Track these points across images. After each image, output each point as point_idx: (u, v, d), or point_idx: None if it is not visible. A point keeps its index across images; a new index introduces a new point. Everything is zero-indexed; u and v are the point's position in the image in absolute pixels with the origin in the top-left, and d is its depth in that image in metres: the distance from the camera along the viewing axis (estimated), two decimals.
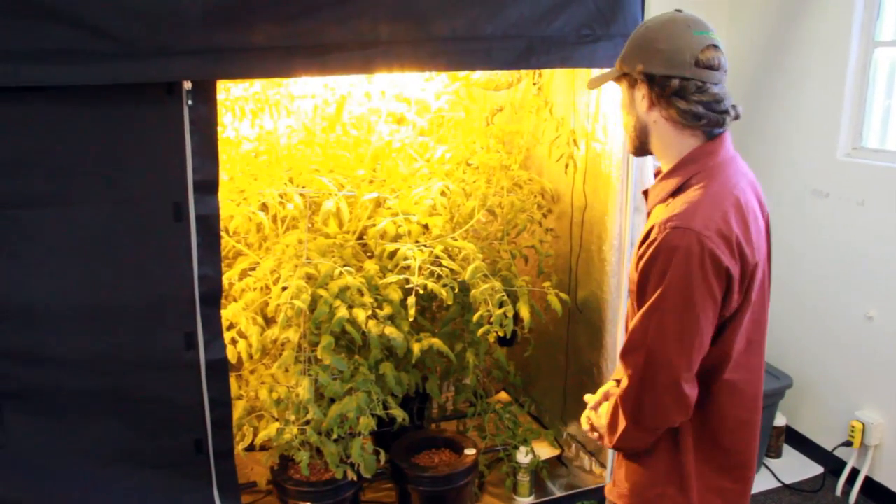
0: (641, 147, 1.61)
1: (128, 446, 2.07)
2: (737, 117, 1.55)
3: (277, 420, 2.36)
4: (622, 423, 1.58)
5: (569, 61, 2.23)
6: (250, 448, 2.47)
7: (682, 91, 1.48)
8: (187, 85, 1.87)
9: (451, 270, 2.43)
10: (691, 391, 1.50)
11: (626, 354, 1.53)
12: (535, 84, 2.97)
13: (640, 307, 1.50)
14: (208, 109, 1.92)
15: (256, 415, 2.44)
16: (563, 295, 2.74)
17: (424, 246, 2.45)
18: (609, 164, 2.65)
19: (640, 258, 1.49)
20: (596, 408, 1.77)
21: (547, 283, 2.75)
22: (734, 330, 1.53)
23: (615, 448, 1.67)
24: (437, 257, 2.44)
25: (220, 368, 2.09)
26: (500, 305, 2.45)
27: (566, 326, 3.11)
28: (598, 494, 2.85)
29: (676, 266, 1.41)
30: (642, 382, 1.51)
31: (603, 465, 2.89)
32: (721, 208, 1.46)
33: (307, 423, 2.32)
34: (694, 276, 1.42)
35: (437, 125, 2.84)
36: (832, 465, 3.41)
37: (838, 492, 3.33)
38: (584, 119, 2.79)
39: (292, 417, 2.32)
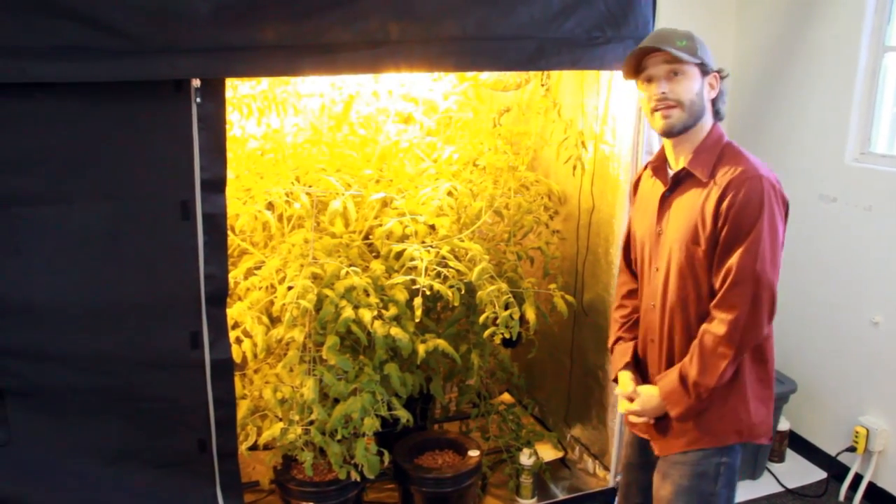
0: (689, 126, 1.88)
1: (132, 445, 2.06)
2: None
3: (281, 420, 2.35)
4: (723, 360, 1.84)
5: (579, 63, 2.22)
6: (253, 447, 2.46)
7: (723, 92, 1.93)
8: (196, 82, 1.86)
9: (458, 271, 2.42)
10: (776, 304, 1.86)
11: (733, 288, 1.81)
12: (543, 85, 2.96)
13: (727, 252, 1.81)
14: (217, 107, 1.91)
15: (260, 414, 2.44)
16: (568, 297, 2.73)
17: (431, 246, 2.44)
18: (617, 167, 2.64)
19: (728, 210, 1.79)
20: (632, 397, 2.03)
21: (553, 285, 2.74)
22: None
23: (705, 391, 1.87)
24: (444, 258, 2.43)
25: (225, 368, 2.08)
26: (506, 307, 2.44)
27: (571, 328, 3.10)
28: (601, 497, 2.85)
29: (763, 206, 1.78)
30: (753, 308, 1.80)
31: (606, 468, 2.88)
32: (764, 164, 1.85)
33: (311, 423, 2.32)
34: (775, 211, 1.81)
35: (444, 125, 2.83)
36: (836, 470, 3.40)
37: (841, 497, 3.32)
38: (593, 121, 2.78)
39: (296, 417, 2.31)
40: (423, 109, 2.78)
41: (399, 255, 2.43)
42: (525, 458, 2.87)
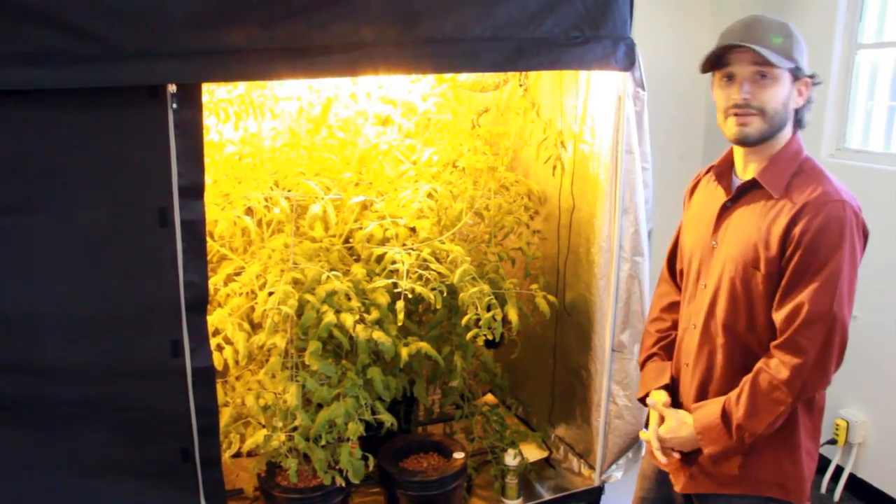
0: (763, 139, 1.68)
1: (112, 456, 2.03)
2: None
3: (265, 427, 2.33)
4: (779, 406, 1.64)
5: (558, 63, 2.21)
6: (237, 455, 2.44)
7: (810, 99, 1.71)
8: (172, 88, 1.83)
9: (439, 273, 2.41)
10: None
11: (804, 328, 1.60)
12: (521, 85, 2.96)
13: (797, 284, 1.60)
14: (193, 113, 1.89)
15: (243, 421, 2.41)
16: (550, 297, 2.73)
17: (412, 249, 2.43)
18: (597, 166, 2.65)
19: (801, 236, 1.58)
20: (660, 424, 1.85)
21: (534, 286, 2.74)
22: None
23: (749, 437, 1.68)
24: (425, 260, 2.42)
25: (207, 376, 2.05)
26: (489, 308, 2.44)
27: (554, 328, 3.10)
28: (587, 496, 2.85)
29: (845, 236, 1.57)
30: (822, 353, 1.61)
31: (591, 467, 2.88)
32: (845, 188, 1.64)
33: (295, 429, 2.30)
34: (856, 242, 1.60)
35: (423, 127, 2.83)
36: (817, 463, 3.43)
37: (823, 489, 3.36)
38: (572, 121, 2.78)
39: (280, 424, 2.29)
40: (401, 111, 2.77)
41: (380, 258, 2.42)
42: (510, 459, 2.86)
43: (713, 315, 1.78)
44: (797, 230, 1.60)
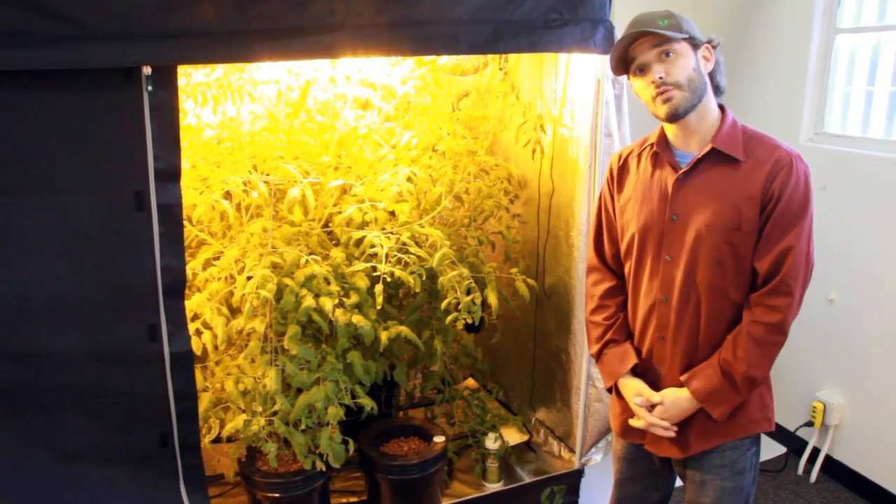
0: (694, 105, 1.79)
1: (91, 442, 2.02)
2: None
3: (244, 411, 2.32)
4: (777, 348, 1.80)
5: (537, 46, 2.21)
6: (217, 440, 2.44)
7: (722, 66, 1.85)
8: (147, 70, 1.81)
9: (419, 257, 2.41)
10: None
11: (790, 272, 1.74)
12: (501, 69, 2.95)
13: (782, 233, 1.74)
14: (169, 95, 1.87)
15: (223, 406, 2.40)
16: (530, 281, 2.74)
17: (391, 233, 2.42)
18: (576, 150, 2.65)
19: (781, 190, 1.73)
20: (649, 406, 1.92)
21: (514, 269, 2.74)
22: None
23: (755, 386, 1.81)
24: (404, 244, 2.41)
25: (185, 361, 2.04)
26: (468, 292, 2.44)
27: (534, 312, 3.11)
28: (567, 479, 2.87)
29: (810, 185, 1.76)
30: (803, 291, 1.78)
31: (572, 450, 2.90)
32: None
33: (274, 413, 2.29)
34: (811, 189, 1.78)
35: (403, 111, 2.81)
36: (794, 444, 3.48)
37: (800, 471, 3.40)
38: (551, 104, 2.78)
39: (259, 408, 2.29)
40: (381, 95, 2.76)
41: (359, 242, 2.42)
42: (491, 443, 2.87)
43: (693, 282, 1.83)
44: (775, 185, 1.74)
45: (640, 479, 2.10)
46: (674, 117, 1.78)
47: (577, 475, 2.90)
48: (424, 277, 2.41)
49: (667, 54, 1.75)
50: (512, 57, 2.95)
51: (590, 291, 2.09)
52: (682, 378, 1.86)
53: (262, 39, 1.91)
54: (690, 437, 1.89)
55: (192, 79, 2.51)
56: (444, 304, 2.45)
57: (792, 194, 1.74)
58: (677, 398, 1.86)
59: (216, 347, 2.28)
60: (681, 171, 1.83)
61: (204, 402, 2.35)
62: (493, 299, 2.61)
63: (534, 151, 2.80)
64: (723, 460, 1.89)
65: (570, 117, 2.67)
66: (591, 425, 2.81)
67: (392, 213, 2.52)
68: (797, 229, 1.74)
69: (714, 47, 1.83)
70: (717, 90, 1.85)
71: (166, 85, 1.86)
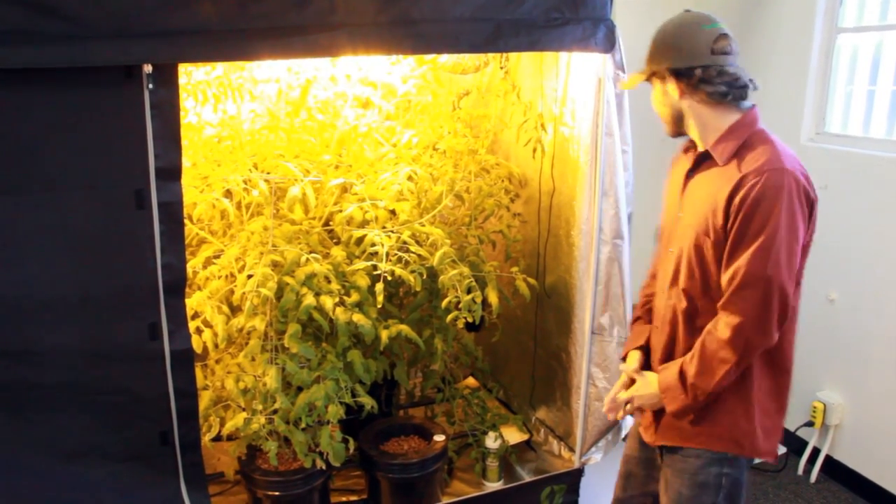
0: (678, 131, 1.91)
1: (91, 440, 2.02)
2: (756, 88, 1.84)
3: (244, 410, 2.32)
4: (725, 365, 1.76)
5: (537, 45, 2.21)
6: (217, 438, 2.44)
7: (706, 77, 1.78)
8: (147, 68, 1.81)
9: (419, 256, 2.41)
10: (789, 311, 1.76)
11: (740, 290, 1.72)
12: (502, 68, 2.95)
13: (737, 249, 1.72)
14: (170, 94, 1.87)
15: (223, 405, 2.41)
16: (531, 280, 2.74)
17: (392, 232, 2.42)
18: (577, 149, 2.65)
19: (740, 204, 1.70)
20: (629, 381, 2.03)
21: (515, 269, 2.74)
22: (804, 258, 1.80)
23: (702, 394, 1.81)
24: (405, 243, 2.41)
25: (186, 359, 2.04)
26: (469, 291, 2.44)
27: (534, 311, 3.11)
28: (567, 478, 2.87)
29: (782, 202, 1.67)
30: (761, 312, 1.71)
31: (572, 449, 2.90)
32: (792, 155, 1.75)
33: (275, 412, 2.29)
34: (795, 208, 1.69)
35: (403, 109, 2.81)
36: (795, 444, 3.48)
37: (800, 471, 3.40)
38: (552, 103, 2.78)
39: (259, 407, 2.29)
40: (381, 93, 2.76)
41: (360, 240, 2.42)
42: (491, 442, 2.87)
43: (676, 280, 1.91)
44: (738, 198, 1.71)
45: (644, 462, 2.14)
46: (672, 136, 1.94)
47: (578, 474, 2.89)
48: (425, 276, 2.41)
49: (652, 85, 1.90)
50: (513, 56, 2.95)
51: (649, 270, 2.19)
52: (658, 368, 1.97)
53: (262, 38, 1.91)
54: (658, 427, 1.98)
55: (193, 77, 2.50)
56: (444, 303, 2.45)
57: (752, 209, 1.69)
58: (648, 383, 1.96)
59: (216, 346, 2.28)
60: (689, 168, 1.92)
61: (204, 400, 2.35)
62: (493, 298, 2.61)
63: (535, 150, 2.80)
64: (684, 465, 1.93)
65: (570, 116, 2.67)
66: (592, 424, 2.80)
67: (392, 212, 2.52)
68: (751, 250, 1.70)
69: (679, 76, 1.82)
70: (722, 96, 1.80)
71: (167, 83, 1.86)
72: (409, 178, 2.52)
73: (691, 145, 1.96)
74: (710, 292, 1.82)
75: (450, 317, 2.46)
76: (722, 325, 1.76)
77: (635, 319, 2.17)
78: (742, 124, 1.81)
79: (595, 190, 2.56)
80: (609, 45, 2.32)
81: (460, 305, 2.42)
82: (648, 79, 1.90)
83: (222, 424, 2.37)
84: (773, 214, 1.67)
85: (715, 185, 1.79)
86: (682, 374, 1.84)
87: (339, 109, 2.67)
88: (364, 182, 2.51)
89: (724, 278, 1.76)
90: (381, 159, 2.63)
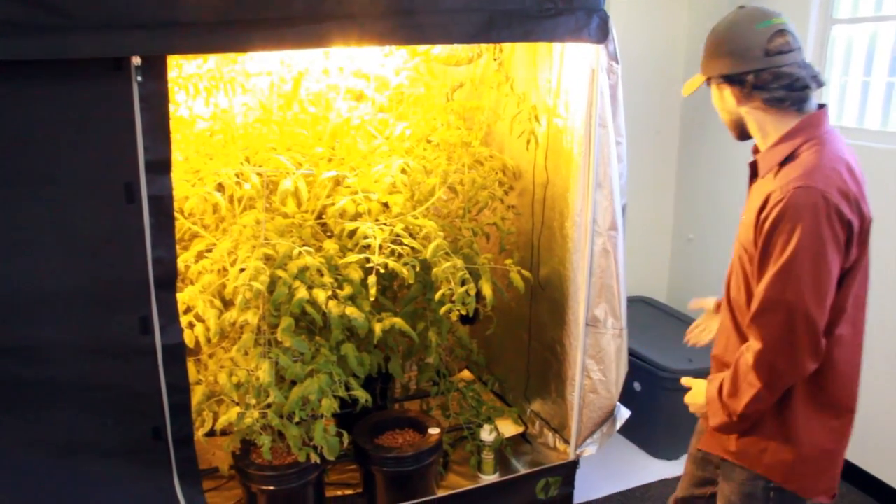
0: (742, 134, 1.80)
1: (83, 436, 2.01)
2: (821, 85, 1.70)
3: (238, 404, 2.31)
4: (751, 389, 1.67)
5: (531, 35, 2.19)
6: (211, 433, 2.43)
7: (761, 82, 1.66)
8: (136, 60, 1.79)
9: (413, 249, 2.40)
10: (822, 341, 1.63)
11: (760, 316, 1.63)
12: (495, 59, 2.93)
13: (762, 270, 1.63)
14: (159, 86, 1.85)
15: (216, 399, 2.39)
16: (525, 272, 2.72)
17: (385, 224, 2.41)
18: (571, 141, 2.64)
19: (763, 222, 1.61)
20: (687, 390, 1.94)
21: (509, 261, 2.73)
22: (850, 284, 1.67)
23: (734, 415, 1.73)
24: (398, 235, 2.40)
25: (178, 353, 2.03)
26: (462, 283, 2.43)
27: (528, 304, 3.10)
28: (562, 470, 2.86)
29: (806, 222, 1.55)
30: (783, 339, 1.61)
31: (567, 442, 2.89)
32: (836, 169, 1.61)
33: (268, 406, 2.28)
34: (823, 229, 1.56)
35: (396, 102, 2.79)
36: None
37: None
38: (546, 95, 2.76)
39: (253, 401, 2.28)
40: (374, 86, 2.74)
41: (352, 233, 2.40)
42: (486, 435, 2.87)
43: (729, 289, 1.85)
44: (763, 216, 1.63)
45: (701, 463, 2.06)
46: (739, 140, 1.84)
47: (573, 466, 2.89)
48: (418, 269, 2.40)
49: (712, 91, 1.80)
50: (506, 47, 2.93)
51: None
52: (708, 378, 1.88)
53: (253, 29, 1.89)
54: (708, 434, 1.92)
55: (184, 70, 2.49)
56: (437, 296, 2.44)
57: (774, 227, 1.60)
58: (698, 392, 1.89)
59: (209, 340, 2.27)
60: (749, 175, 1.84)
61: (197, 394, 2.34)
62: (487, 291, 2.60)
63: (528, 142, 2.78)
64: (733, 473, 1.86)
65: (564, 108, 2.66)
66: (587, 416, 2.80)
67: (385, 205, 2.50)
68: (771, 273, 1.61)
69: (733, 81, 1.71)
70: (778, 102, 1.68)
71: (156, 75, 1.84)
72: (403, 171, 2.50)
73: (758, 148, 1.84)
74: (751, 308, 1.71)
75: (443, 309, 2.45)
76: (748, 349, 1.69)
77: None
78: (798, 130, 1.68)
79: (589, 181, 2.56)
80: (602, 35, 2.30)
81: (454, 298, 2.41)
82: (708, 83, 1.81)
83: (215, 419, 2.36)
84: (795, 235, 1.56)
85: (757, 196, 1.68)
86: (720, 389, 1.77)
87: (332, 102, 2.65)
88: (357, 175, 2.50)
89: (753, 300, 1.67)
90: (374, 152, 2.62)
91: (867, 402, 3.10)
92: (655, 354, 3.35)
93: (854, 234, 1.62)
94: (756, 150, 1.81)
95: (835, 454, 1.78)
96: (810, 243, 1.56)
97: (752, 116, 1.73)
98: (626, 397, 2.83)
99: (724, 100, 1.76)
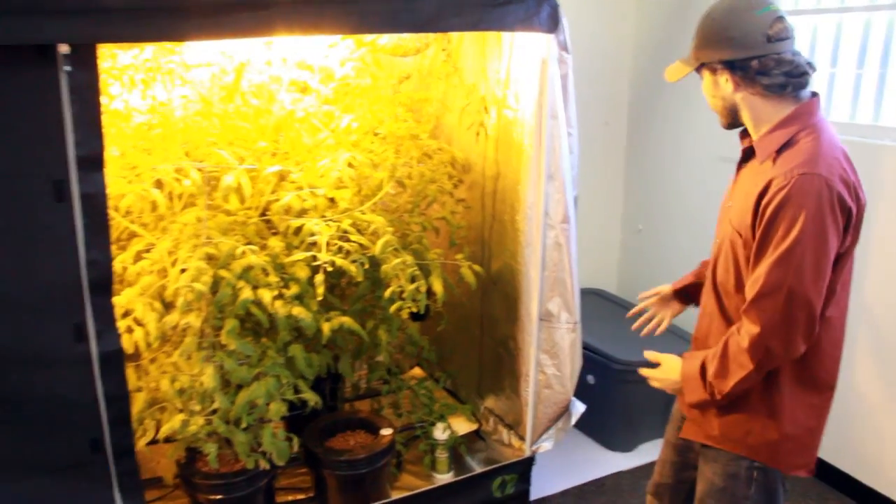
0: (733, 123, 1.79)
1: (16, 451, 1.88)
2: (814, 70, 1.71)
3: (182, 411, 2.21)
4: (742, 371, 1.69)
5: (481, 24, 2.14)
6: (154, 442, 2.32)
7: (763, 68, 1.66)
8: (64, 48, 1.67)
9: (361, 245, 2.33)
10: (817, 325, 1.67)
11: (759, 300, 1.64)
12: (444, 50, 2.87)
13: (760, 254, 1.64)
14: (90, 77, 1.73)
15: (158, 407, 2.29)
16: (476, 267, 2.67)
17: (331, 220, 2.33)
18: (521, 132, 2.59)
19: (765, 207, 1.62)
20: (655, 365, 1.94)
21: (459, 256, 2.67)
22: (841, 268, 1.71)
23: (719, 394, 1.75)
24: (346, 232, 2.33)
25: (115, 360, 1.92)
26: (413, 280, 2.37)
27: (480, 299, 3.05)
28: (518, 467, 2.83)
29: (809, 208, 1.57)
30: (781, 323, 1.63)
31: (521, 438, 2.86)
32: (836, 157, 1.64)
33: (214, 412, 2.19)
34: (826, 216, 1.58)
35: (342, 94, 2.71)
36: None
37: None
38: (495, 86, 2.71)
39: (197, 407, 2.18)
40: (319, 77, 2.65)
41: (298, 230, 2.32)
42: (439, 433, 2.82)
43: (715, 272, 1.86)
44: (764, 201, 1.63)
45: (680, 449, 2.08)
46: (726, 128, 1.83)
47: (528, 463, 2.86)
48: (367, 266, 2.33)
49: (700, 78, 1.79)
50: (454, 37, 2.88)
51: None
52: (684, 355, 1.90)
53: (191, 17, 1.79)
54: (689, 423, 1.94)
55: (119, 60, 2.36)
56: (387, 293, 2.38)
57: (776, 215, 1.61)
58: (672, 368, 1.89)
59: (149, 345, 2.16)
60: (739, 160, 1.84)
61: (138, 402, 2.23)
62: (438, 287, 2.54)
63: (478, 134, 2.73)
64: (717, 455, 1.87)
65: (514, 99, 2.61)
66: (541, 412, 2.77)
67: (332, 200, 2.42)
68: (772, 258, 1.62)
69: (733, 68, 1.70)
70: (779, 89, 1.68)
71: (86, 65, 1.72)
72: (349, 165, 2.43)
73: (747, 132, 1.85)
74: (741, 291, 1.74)
75: (394, 307, 2.39)
76: (743, 332, 1.69)
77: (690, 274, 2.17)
78: (794, 117, 1.69)
79: (540, 173, 2.51)
80: (553, 24, 2.26)
81: (404, 295, 2.35)
82: (698, 70, 1.79)
83: (158, 427, 2.25)
84: (798, 221, 1.58)
85: (752, 182, 1.69)
86: (703, 368, 1.78)
87: (275, 94, 2.56)
88: (302, 169, 2.41)
89: (748, 284, 1.69)
90: (320, 145, 2.53)
91: (850, 404, 3.13)
92: (608, 347, 3.34)
93: (852, 221, 1.65)
94: (743, 137, 1.84)
95: (816, 431, 1.83)
96: (813, 229, 1.58)
97: (748, 103, 1.73)
98: (580, 390, 2.81)
99: (718, 86, 1.75)
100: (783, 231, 1.59)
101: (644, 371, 1.96)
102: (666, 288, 2.16)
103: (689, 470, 2.05)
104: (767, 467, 1.81)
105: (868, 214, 1.76)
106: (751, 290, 1.66)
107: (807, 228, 1.57)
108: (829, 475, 3.18)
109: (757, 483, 1.83)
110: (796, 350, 1.67)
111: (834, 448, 3.15)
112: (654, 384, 1.94)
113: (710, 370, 1.75)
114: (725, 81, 1.72)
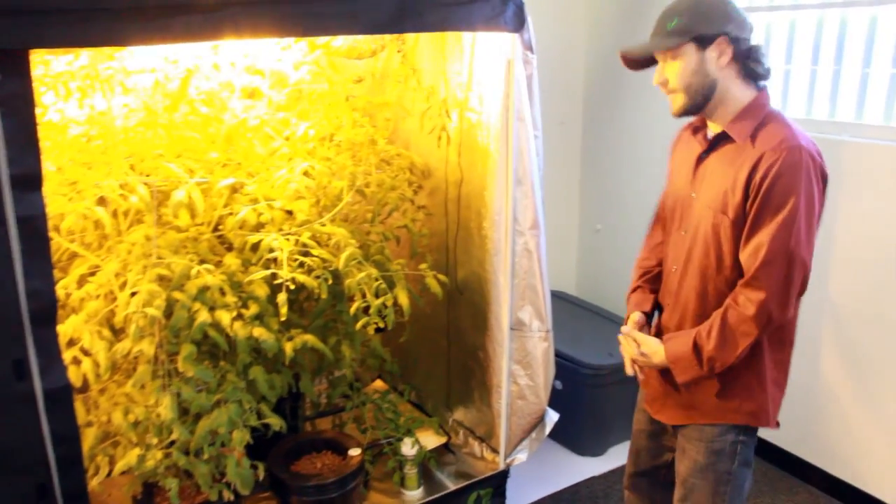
0: (699, 106, 1.83)
1: None
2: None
3: (137, 445, 2.06)
4: (747, 339, 1.78)
5: (445, 23, 2.04)
6: (107, 474, 2.16)
7: (757, 52, 1.79)
8: None
9: (322, 259, 2.20)
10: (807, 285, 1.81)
11: (765, 267, 1.73)
12: (399, 51, 2.75)
13: (756, 227, 1.73)
14: (22, 86, 1.57)
15: (111, 441, 2.13)
16: (441, 276, 2.56)
17: (290, 234, 2.20)
18: (487, 136, 2.49)
19: (761, 182, 1.70)
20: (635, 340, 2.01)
21: (423, 265, 2.56)
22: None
23: (720, 367, 1.82)
24: (305, 245, 2.20)
25: (62, 397, 1.75)
26: (378, 294, 2.25)
27: (445, 308, 2.95)
28: (492, 481, 2.74)
29: (801, 178, 1.69)
30: (783, 288, 1.74)
31: (495, 451, 2.76)
32: (805, 134, 1.76)
33: (172, 444, 2.04)
34: (814, 185, 1.72)
35: (296, 99, 2.57)
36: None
37: None
38: (457, 88, 2.61)
39: (154, 440, 2.03)
40: (271, 82, 2.51)
41: (255, 246, 2.18)
42: (407, 449, 2.71)
43: (691, 260, 1.91)
44: (758, 176, 1.71)
45: (653, 435, 2.16)
46: (678, 116, 1.86)
47: (503, 476, 2.77)
48: (330, 281, 2.21)
49: (673, 57, 1.79)
50: (410, 38, 2.76)
51: (644, 242, 2.22)
52: (664, 338, 1.95)
53: (131, 19, 1.65)
54: (672, 408, 2.02)
55: (52, 67, 2.19)
56: (353, 309, 2.26)
57: (772, 186, 1.70)
58: (655, 352, 1.94)
59: (98, 375, 2.00)
60: (702, 150, 1.90)
61: (89, 438, 2.07)
62: (403, 299, 2.43)
63: (440, 139, 2.62)
64: (700, 434, 1.95)
65: (478, 101, 2.51)
66: (515, 424, 2.68)
67: (290, 213, 2.29)
68: (773, 227, 1.71)
69: (732, 39, 1.76)
70: (753, 76, 1.81)
71: (17, 73, 1.56)
72: (306, 174, 2.30)
73: (700, 125, 1.94)
74: (723, 271, 1.84)
75: (360, 323, 2.27)
76: (744, 300, 1.77)
77: (635, 289, 2.17)
78: (759, 104, 1.81)
79: (508, 178, 2.42)
80: (519, 23, 2.18)
81: (370, 311, 2.23)
82: (678, 46, 1.78)
83: (112, 464, 2.09)
84: (794, 190, 1.69)
85: (732, 164, 1.78)
86: (696, 346, 1.84)
87: (225, 101, 2.41)
88: (256, 181, 2.28)
89: (745, 255, 1.77)
90: (274, 155, 2.40)
91: (817, 397, 3.13)
92: (575, 351, 3.28)
93: (825, 188, 1.79)
94: (700, 126, 1.94)
95: (783, 384, 1.96)
96: (806, 197, 1.70)
97: (727, 84, 1.80)
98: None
99: (704, 61, 1.77)
100: (780, 200, 1.70)
101: (627, 352, 2.03)
102: (637, 315, 2.13)
103: (665, 453, 2.15)
104: (748, 439, 1.93)
105: (828, 209, 1.87)
106: (752, 260, 1.75)
107: (800, 198, 1.69)
108: (798, 468, 3.19)
109: (739, 457, 1.94)
110: (790, 312, 1.79)
111: (803, 441, 3.15)
112: (640, 361, 2.01)
113: (710, 346, 1.81)
114: (719, 55, 1.76)
